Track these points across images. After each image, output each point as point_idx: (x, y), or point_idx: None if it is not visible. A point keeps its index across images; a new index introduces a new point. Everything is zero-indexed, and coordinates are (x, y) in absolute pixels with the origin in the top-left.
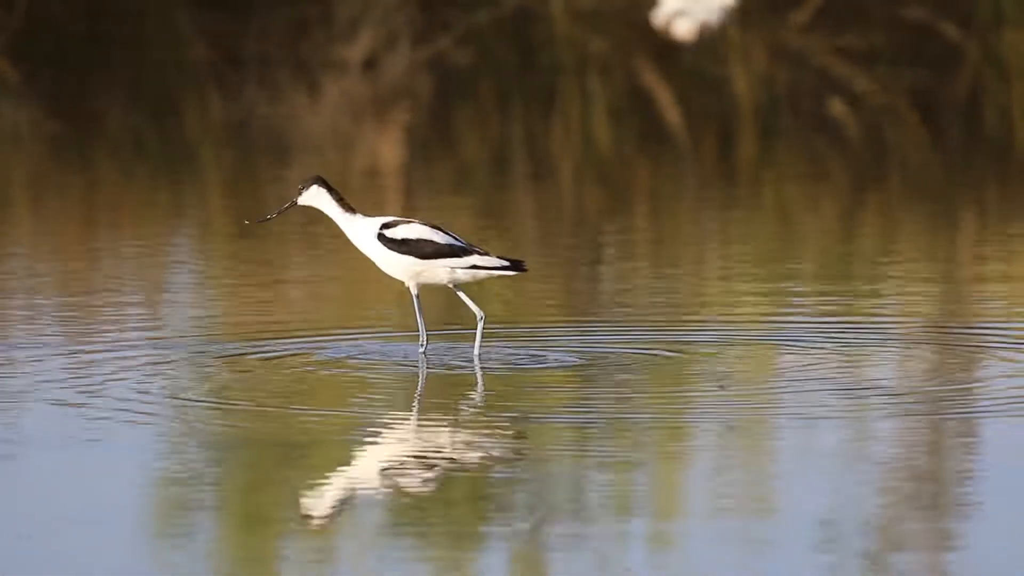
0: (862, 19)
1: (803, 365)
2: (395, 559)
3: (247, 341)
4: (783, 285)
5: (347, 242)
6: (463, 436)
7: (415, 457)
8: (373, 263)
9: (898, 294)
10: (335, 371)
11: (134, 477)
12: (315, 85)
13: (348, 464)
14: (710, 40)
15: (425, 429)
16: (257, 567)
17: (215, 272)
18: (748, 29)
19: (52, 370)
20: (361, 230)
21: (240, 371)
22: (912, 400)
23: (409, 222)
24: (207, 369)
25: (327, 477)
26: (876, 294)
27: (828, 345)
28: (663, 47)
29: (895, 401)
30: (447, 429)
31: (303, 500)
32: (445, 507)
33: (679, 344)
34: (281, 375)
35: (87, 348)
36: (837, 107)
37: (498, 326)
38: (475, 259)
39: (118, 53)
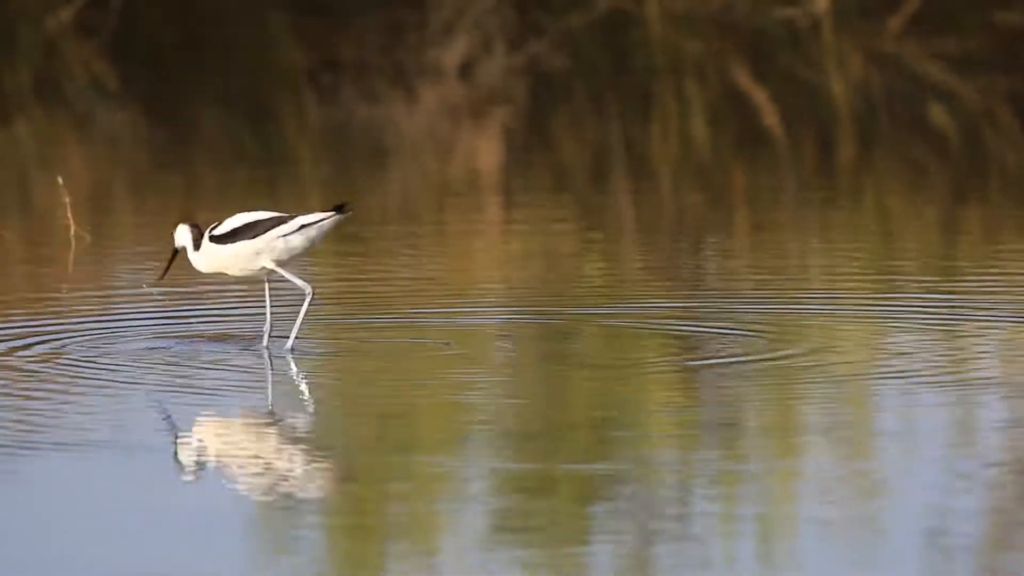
0: (957, 25)
1: (907, 354)
2: (497, 563)
3: (344, 336)
4: (885, 281)
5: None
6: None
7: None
8: (227, 276)
9: (1003, 288)
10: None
11: (220, 476)
12: (411, 89)
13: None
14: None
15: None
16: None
17: (314, 272)
18: (843, 34)
19: (147, 366)
20: (202, 250)
21: (341, 365)
22: (1017, 387)
23: (229, 217)
24: (293, 366)
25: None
26: (979, 290)
27: (932, 334)
28: (757, 50)
29: (1002, 388)
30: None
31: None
32: (551, 509)
33: (782, 338)
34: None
35: (183, 348)
36: (934, 112)
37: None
38: (300, 219)
39: (214, 57)
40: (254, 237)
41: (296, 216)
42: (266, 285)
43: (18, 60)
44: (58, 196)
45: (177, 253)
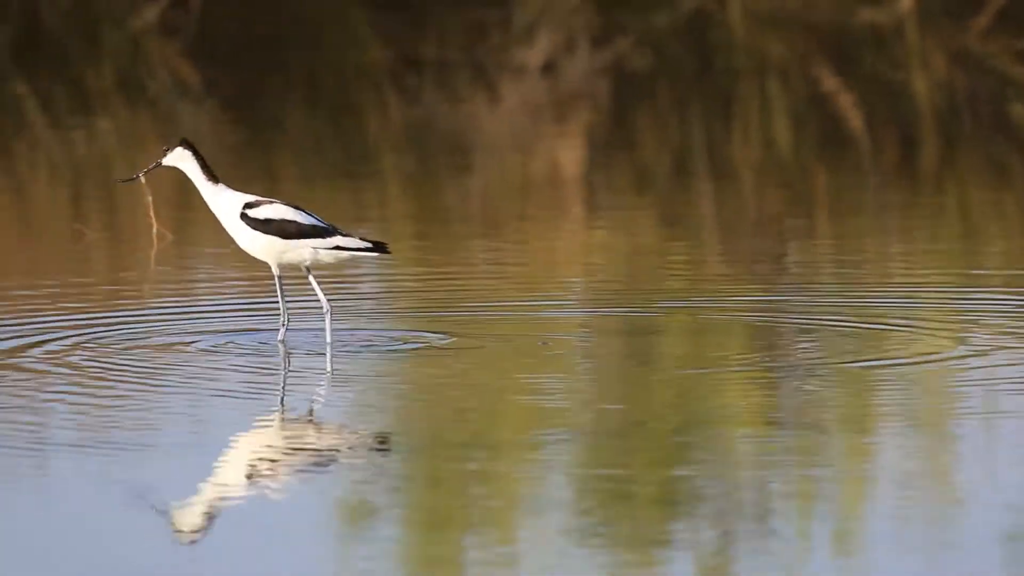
0: None
1: (987, 352)
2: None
3: (443, 336)
4: (966, 280)
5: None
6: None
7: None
8: (234, 239)
9: None
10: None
11: (292, 475)
12: (493, 88)
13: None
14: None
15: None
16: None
17: (392, 270)
18: (927, 34)
19: (233, 362)
20: (224, 204)
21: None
22: None
23: (272, 202)
24: (388, 365)
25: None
26: None
27: (1014, 333)
28: (841, 51)
29: None
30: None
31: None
32: (625, 509)
33: (861, 341)
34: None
35: (254, 345)
36: (1017, 111)
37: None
38: (338, 240)
39: (296, 56)
40: (287, 237)
41: (336, 234)
42: (311, 278)
43: (103, 59)
44: (140, 195)
45: (159, 166)
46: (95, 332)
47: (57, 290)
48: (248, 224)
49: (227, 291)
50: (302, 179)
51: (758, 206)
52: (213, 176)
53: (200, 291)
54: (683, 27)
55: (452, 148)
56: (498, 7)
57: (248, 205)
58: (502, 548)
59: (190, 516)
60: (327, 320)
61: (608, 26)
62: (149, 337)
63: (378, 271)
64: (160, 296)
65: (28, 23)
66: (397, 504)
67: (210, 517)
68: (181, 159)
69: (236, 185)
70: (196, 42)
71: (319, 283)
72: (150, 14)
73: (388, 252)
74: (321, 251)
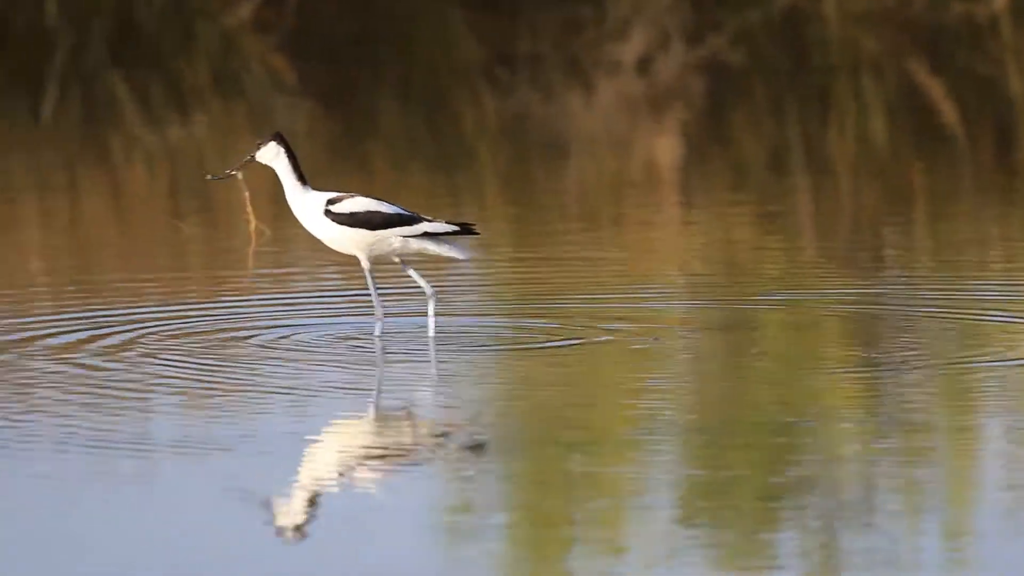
0: None
1: None
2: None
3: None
4: None
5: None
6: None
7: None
8: (318, 238)
9: None
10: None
11: (406, 469)
12: (588, 84)
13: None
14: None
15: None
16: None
17: (491, 264)
18: (1022, 29)
19: (331, 358)
20: (308, 204)
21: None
22: None
23: (353, 196)
24: (482, 363)
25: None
26: None
27: None
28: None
29: None
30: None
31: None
32: (730, 507)
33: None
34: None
35: (353, 342)
36: None
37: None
38: (425, 226)
39: (389, 52)
40: (374, 228)
41: (422, 221)
42: (409, 270)
43: (197, 56)
44: (238, 190)
45: (252, 161)
46: (193, 327)
47: (154, 284)
48: (333, 219)
49: (325, 286)
50: (397, 174)
51: (855, 200)
52: (302, 176)
53: (298, 286)
54: (778, 23)
55: (547, 143)
56: (592, 3)
57: (331, 201)
58: (605, 547)
59: (291, 513)
60: (430, 306)
61: (702, 22)
62: (247, 333)
63: (477, 265)
64: (258, 292)
65: (123, 19)
66: (499, 503)
67: (312, 514)
68: (274, 155)
69: (332, 180)
70: (291, 38)
71: (418, 272)
72: (244, 10)
73: (477, 233)
74: (411, 239)
